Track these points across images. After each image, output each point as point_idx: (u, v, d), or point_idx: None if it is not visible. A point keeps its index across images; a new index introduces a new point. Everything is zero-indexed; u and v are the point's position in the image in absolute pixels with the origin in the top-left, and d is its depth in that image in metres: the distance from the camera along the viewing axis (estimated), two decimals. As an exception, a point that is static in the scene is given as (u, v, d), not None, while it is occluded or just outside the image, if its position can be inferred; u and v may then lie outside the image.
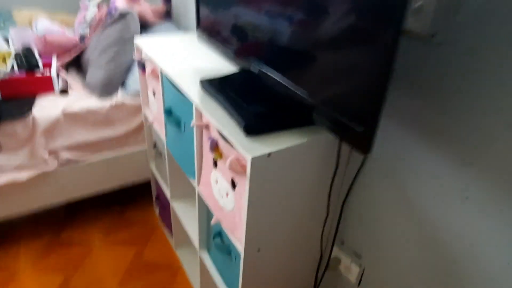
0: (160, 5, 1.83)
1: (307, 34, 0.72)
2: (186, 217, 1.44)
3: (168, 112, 1.16)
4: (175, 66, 1.16)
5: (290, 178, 0.86)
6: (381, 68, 0.56)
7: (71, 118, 1.51)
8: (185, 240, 1.65)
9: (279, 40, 0.81)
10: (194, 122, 0.95)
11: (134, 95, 1.61)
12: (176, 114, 1.14)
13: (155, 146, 1.57)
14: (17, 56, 1.57)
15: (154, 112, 1.41)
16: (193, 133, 1.03)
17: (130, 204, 1.93)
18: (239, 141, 0.79)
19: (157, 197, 1.74)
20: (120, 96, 1.60)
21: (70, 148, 1.55)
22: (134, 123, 1.65)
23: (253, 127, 0.80)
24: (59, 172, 1.56)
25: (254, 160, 0.74)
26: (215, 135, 0.89)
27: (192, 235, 1.34)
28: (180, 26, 1.84)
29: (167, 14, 1.89)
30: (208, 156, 0.99)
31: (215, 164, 0.96)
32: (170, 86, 1.14)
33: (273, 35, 0.82)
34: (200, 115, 0.98)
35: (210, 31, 1.08)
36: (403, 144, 0.85)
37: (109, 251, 1.67)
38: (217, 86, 0.95)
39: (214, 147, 0.87)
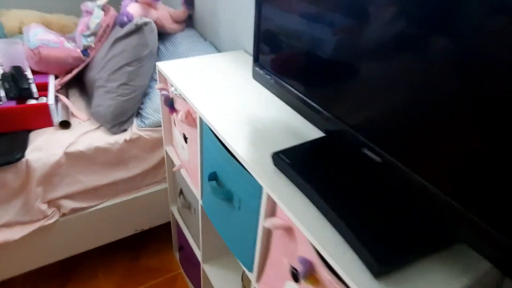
0: (181, 10, 1.49)
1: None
2: (222, 285, 1.15)
3: (213, 178, 0.84)
4: (221, 113, 0.83)
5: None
6: None
7: (75, 159, 1.20)
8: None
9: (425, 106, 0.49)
10: (268, 222, 0.64)
11: (153, 127, 1.29)
12: (226, 183, 0.82)
13: (180, 193, 1.26)
14: (4, 78, 1.24)
15: (184, 160, 1.10)
16: (256, 217, 0.72)
17: (145, 247, 1.63)
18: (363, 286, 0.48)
19: (181, 247, 1.44)
20: (135, 129, 1.28)
21: (74, 196, 1.24)
22: (152, 160, 1.33)
23: (387, 264, 0.49)
24: (61, 224, 1.24)
25: None
26: (307, 252, 0.58)
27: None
28: (204, 35, 1.50)
29: (188, 19, 1.55)
30: (282, 262, 0.68)
31: (295, 277, 0.65)
32: (214, 141, 0.82)
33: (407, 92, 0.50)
34: (273, 207, 0.67)
35: (282, 70, 0.74)
36: None
37: (122, 311, 1.39)
38: (303, 169, 0.63)
39: (308, 275, 0.56)
